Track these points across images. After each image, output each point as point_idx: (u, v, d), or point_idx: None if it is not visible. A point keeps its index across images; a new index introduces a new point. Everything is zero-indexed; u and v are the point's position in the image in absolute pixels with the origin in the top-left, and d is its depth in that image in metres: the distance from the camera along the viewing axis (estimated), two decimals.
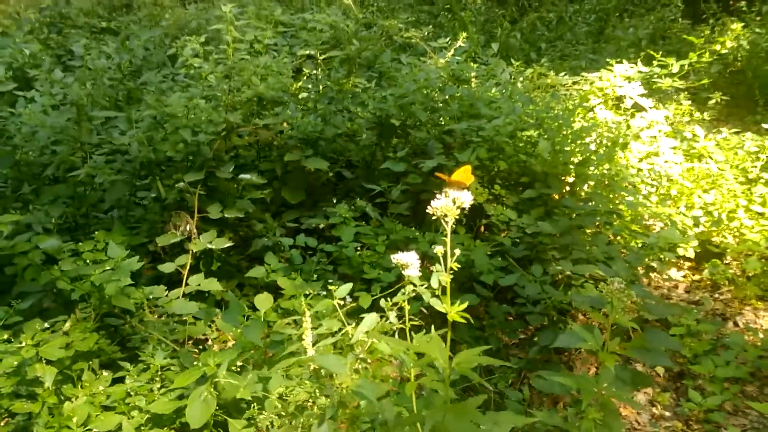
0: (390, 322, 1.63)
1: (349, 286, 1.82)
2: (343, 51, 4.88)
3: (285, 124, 3.76)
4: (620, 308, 1.26)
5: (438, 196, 1.24)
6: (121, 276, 2.39)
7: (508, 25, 6.91)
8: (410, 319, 1.48)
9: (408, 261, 1.35)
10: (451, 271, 1.23)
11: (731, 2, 8.19)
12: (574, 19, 7.65)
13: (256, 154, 3.96)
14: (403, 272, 1.35)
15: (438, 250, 1.26)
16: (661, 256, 3.41)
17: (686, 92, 5.38)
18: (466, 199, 1.22)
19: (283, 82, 3.47)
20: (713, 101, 6.21)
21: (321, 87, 3.90)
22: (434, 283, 1.35)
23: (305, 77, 4.66)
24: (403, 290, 1.43)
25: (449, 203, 1.21)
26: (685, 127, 5.24)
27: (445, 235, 1.19)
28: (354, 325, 1.71)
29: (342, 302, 1.76)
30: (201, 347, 3.24)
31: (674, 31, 8.04)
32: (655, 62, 4.80)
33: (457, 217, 1.20)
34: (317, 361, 1.45)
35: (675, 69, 4.80)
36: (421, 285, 1.43)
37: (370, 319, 1.55)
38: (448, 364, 1.19)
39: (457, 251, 1.24)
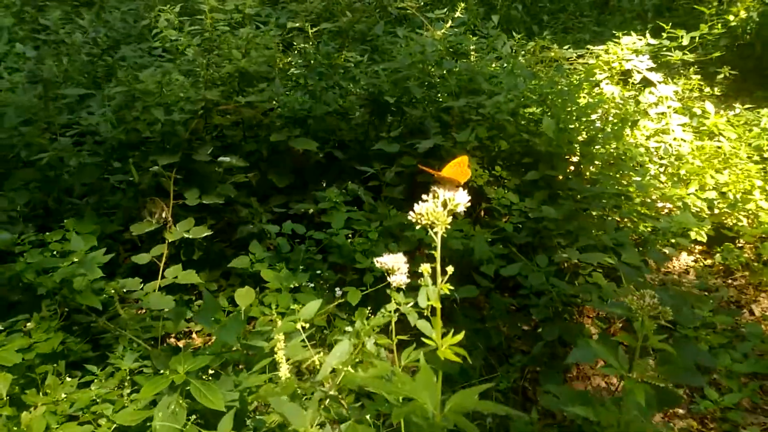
0: (366, 351, 1.39)
1: (316, 304, 1.52)
2: (334, 23, 4.61)
3: (274, 102, 3.51)
4: (651, 328, 1.05)
5: (424, 197, 1.00)
6: (86, 270, 2.17)
7: None
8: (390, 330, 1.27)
9: (393, 264, 1.13)
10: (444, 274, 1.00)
11: None
12: None
13: (241, 134, 3.72)
14: (388, 279, 1.13)
15: (424, 268, 1.02)
16: (673, 241, 3.20)
17: (695, 66, 5.12)
18: (461, 200, 0.98)
19: (268, 56, 3.21)
20: (721, 76, 5.95)
21: (311, 61, 3.64)
22: (422, 301, 1.12)
23: (295, 52, 4.40)
24: (383, 309, 1.21)
25: (438, 207, 0.97)
26: (695, 103, 5.00)
27: (434, 247, 0.96)
28: (322, 352, 1.45)
29: (306, 325, 1.49)
30: (184, 342, 3.06)
31: (681, 3, 7.73)
32: (664, 34, 4.53)
33: (448, 226, 0.96)
34: (273, 405, 1.24)
35: (685, 41, 4.54)
36: (407, 303, 1.20)
37: (342, 348, 1.33)
38: (439, 408, 0.98)
39: (450, 269, 1.01)
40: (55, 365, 2.20)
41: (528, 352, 2.96)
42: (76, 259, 2.28)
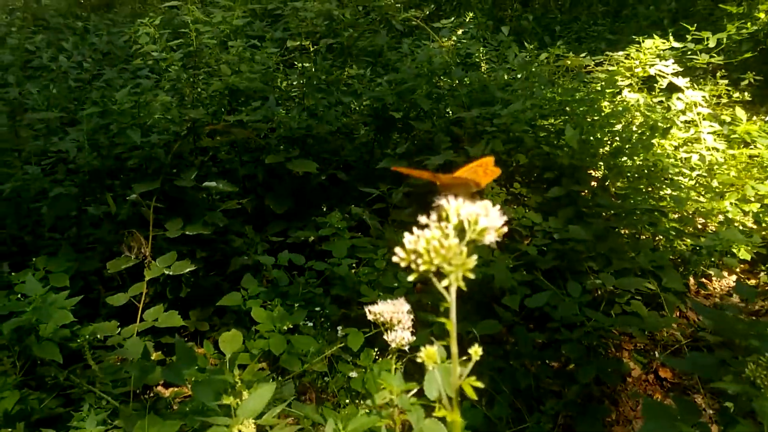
0: None
1: (266, 393, 1.12)
2: (336, 39, 4.36)
3: (272, 122, 3.24)
4: None
5: (420, 217, 0.63)
6: (42, 317, 1.87)
7: (519, 6, 6.35)
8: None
9: (392, 316, 0.81)
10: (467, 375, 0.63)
11: None
12: None
13: (237, 157, 3.45)
14: (385, 337, 0.82)
15: (427, 353, 0.64)
16: (718, 261, 2.85)
17: (723, 70, 4.78)
18: (491, 222, 0.62)
19: (262, 72, 2.94)
20: (745, 82, 5.62)
21: (308, 78, 3.37)
22: (430, 392, 0.76)
23: (298, 72, 4.14)
24: (373, 408, 0.86)
25: (450, 238, 0.58)
26: (723, 109, 4.66)
27: (445, 311, 0.60)
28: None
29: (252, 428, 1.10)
30: (172, 390, 2.74)
31: (698, 8, 7.43)
32: (689, 36, 4.22)
33: (472, 275, 0.60)
34: None
35: (711, 43, 4.22)
36: (407, 392, 0.85)
37: None
38: None
39: (476, 352, 0.64)
40: (11, 429, 1.90)
41: (559, 392, 2.61)
42: (33, 305, 1.98)
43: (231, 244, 3.00)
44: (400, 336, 0.83)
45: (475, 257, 0.57)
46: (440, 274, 0.58)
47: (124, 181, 2.61)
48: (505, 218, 0.59)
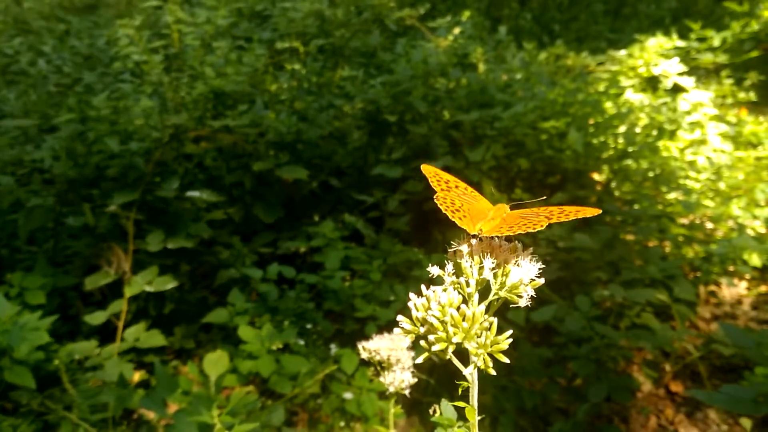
0: None
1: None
2: (327, 39, 4.21)
3: (259, 126, 3.09)
4: None
5: (432, 268, 0.48)
6: (11, 341, 1.72)
7: (517, 5, 6.21)
8: None
9: (390, 353, 0.67)
10: None
11: None
12: None
13: (223, 164, 3.30)
14: (381, 379, 0.68)
15: None
16: (730, 269, 2.72)
17: (728, 69, 4.65)
18: (528, 273, 0.49)
19: (249, 74, 2.80)
20: (749, 82, 5.50)
21: (298, 80, 3.22)
22: None
23: (288, 74, 4.00)
24: None
25: (471, 299, 0.46)
26: (728, 110, 4.53)
27: (465, 391, 0.46)
28: None
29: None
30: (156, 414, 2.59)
31: (699, 7, 7.32)
32: (692, 35, 4.09)
33: (505, 358, 0.48)
34: None
35: (716, 42, 4.09)
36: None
37: None
38: None
39: None
40: None
41: (566, 410, 2.47)
42: (3, 328, 1.83)
43: (217, 257, 2.85)
44: (400, 378, 0.70)
45: (508, 334, 0.44)
46: (454, 351, 0.44)
47: (103, 191, 2.46)
48: (540, 265, 0.46)
